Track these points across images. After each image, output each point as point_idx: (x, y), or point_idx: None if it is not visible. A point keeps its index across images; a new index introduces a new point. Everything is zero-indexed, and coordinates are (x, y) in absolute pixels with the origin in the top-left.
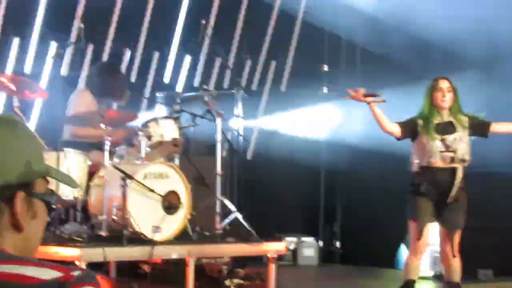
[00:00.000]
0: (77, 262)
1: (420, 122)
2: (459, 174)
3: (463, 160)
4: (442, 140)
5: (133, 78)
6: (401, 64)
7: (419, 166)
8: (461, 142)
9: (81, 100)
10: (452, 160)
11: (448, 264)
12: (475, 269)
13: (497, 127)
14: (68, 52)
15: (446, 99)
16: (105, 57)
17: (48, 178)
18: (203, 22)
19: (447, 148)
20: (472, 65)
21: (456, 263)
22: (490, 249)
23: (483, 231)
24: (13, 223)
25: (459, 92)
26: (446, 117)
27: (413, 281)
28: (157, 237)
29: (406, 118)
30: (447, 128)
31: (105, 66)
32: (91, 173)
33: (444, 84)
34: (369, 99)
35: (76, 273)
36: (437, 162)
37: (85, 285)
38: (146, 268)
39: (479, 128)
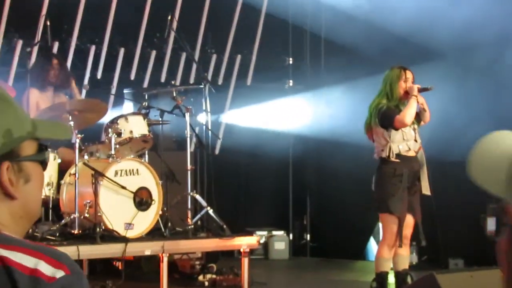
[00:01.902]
0: None
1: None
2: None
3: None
4: (414, 130)
5: (99, 75)
6: (365, 55)
7: (396, 155)
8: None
9: (31, 99)
10: (419, 149)
11: (403, 252)
12: (446, 258)
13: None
14: (34, 50)
15: None
16: (70, 53)
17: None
18: (170, 17)
19: (416, 137)
20: (441, 55)
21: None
22: (461, 239)
23: (453, 221)
24: (3, 192)
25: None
26: None
27: (387, 273)
28: (130, 233)
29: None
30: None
31: (40, 57)
32: (62, 171)
33: (410, 75)
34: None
35: (59, 275)
36: (411, 150)
37: None
38: (119, 265)
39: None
